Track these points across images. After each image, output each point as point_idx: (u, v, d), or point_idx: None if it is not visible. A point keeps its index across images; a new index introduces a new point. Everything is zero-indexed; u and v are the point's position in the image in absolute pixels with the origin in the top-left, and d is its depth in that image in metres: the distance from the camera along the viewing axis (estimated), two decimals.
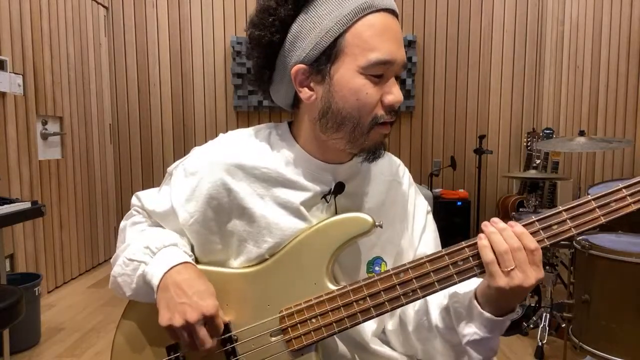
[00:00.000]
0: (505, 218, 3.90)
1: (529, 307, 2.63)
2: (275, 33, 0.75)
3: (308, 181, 0.81)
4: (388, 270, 0.73)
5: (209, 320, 0.73)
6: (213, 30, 4.18)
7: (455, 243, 0.71)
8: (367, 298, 0.73)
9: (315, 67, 0.75)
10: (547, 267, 2.53)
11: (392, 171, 0.91)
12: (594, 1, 3.77)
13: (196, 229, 0.82)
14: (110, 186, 4.17)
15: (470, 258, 0.69)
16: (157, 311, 0.76)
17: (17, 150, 2.90)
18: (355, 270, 0.84)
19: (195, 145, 0.89)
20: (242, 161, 0.81)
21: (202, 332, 0.73)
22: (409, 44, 4.13)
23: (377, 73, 0.73)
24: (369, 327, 0.84)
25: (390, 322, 0.88)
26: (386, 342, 0.88)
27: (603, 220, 0.65)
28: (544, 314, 2.42)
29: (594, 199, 0.66)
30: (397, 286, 0.71)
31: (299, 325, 0.76)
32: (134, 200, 0.93)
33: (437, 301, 0.80)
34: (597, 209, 0.66)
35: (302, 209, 0.80)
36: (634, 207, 0.64)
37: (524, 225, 0.68)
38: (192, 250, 0.84)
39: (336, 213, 0.82)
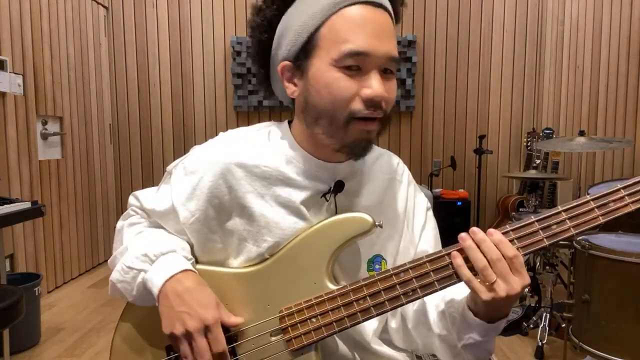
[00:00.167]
0: (505, 218, 3.90)
1: (529, 307, 2.63)
2: (264, 33, 0.80)
3: (308, 180, 0.81)
4: (388, 270, 0.73)
5: (209, 330, 0.73)
6: (213, 30, 4.18)
7: (455, 243, 0.71)
8: (367, 297, 0.73)
9: (297, 63, 0.77)
10: (547, 267, 2.53)
11: (391, 169, 0.91)
12: (594, 1, 3.78)
13: (197, 227, 0.82)
14: (110, 186, 4.17)
15: None
16: (156, 313, 0.76)
17: (17, 150, 2.90)
18: (356, 269, 0.84)
19: (195, 145, 0.89)
20: (243, 160, 0.81)
21: (202, 342, 0.72)
22: (409, 44, 4.13)
23: (350, 64, 0.72)
24: (369, 327, 0.84)
25: (394, 321, 0.88)
26: (386, 342, 0.88)
27: (602, 220, 0.65)
28: (544, 314, 2.42)
29: (592, 199, 0.66)
30: (397, 286, 0.72)
31: (299, 324, 0.76)
32: (131, 199, 0.92)
33: (434, 303, 0.80)
34: (595, 209, 0.66)
35: (302, 208, 0.80)
36: (632, 208, 0.64)
37: (523, 225, 0.68)
38: (192, 249, 0.84)
39: (336, 212, 0.82)
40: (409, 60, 4.13)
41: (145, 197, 0.89)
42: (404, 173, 0.93)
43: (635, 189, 0.65)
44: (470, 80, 4.27)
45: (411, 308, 0.85)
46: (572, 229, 0.66)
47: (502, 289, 0.64)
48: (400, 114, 4.26)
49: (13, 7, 2.89)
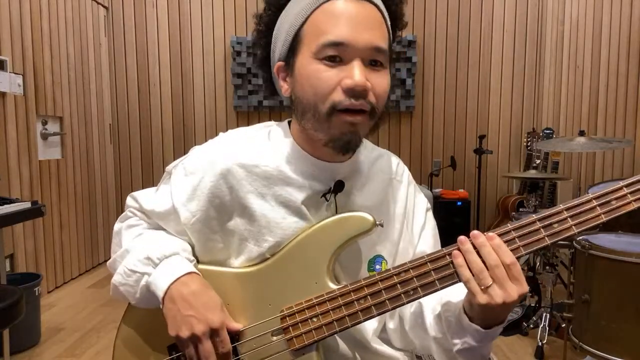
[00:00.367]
0: (505, 218, 3.90)
1: (529, 307, 2.63)
2: (263, 38, 0.83)
3: (308, 179, 0.81)
4: (389, 270, 0.73)
5: (215, 333, 0.74)
6: (213, 30, 4.18)
7: (454, 243, 0.71)
8: (368, 297, 0.73)
9: (287, 61, 0.78)
10: (547, 267, 2.53)
11: (391, 169, 0.91)
12: (594, 1, 3.78)
13: (198, 228, 0.82)
14: (110, 186, 4.17)
15: None
16: (157, 313, 0.76)
17: (17, 150, 2.90)
18: (356, 269, 0.84)
19: (195, 145, 0.89)
20: (243, 159, 0.81)
21: (208, 344, 0.73)
22: (409, 44, 4.13)
23: (329, 55, 0.72)
24: (369, 326, 0.84)
25: (392, 322, 0.88)
26: (386, 341, 0.88)
27: (604, 218, 0.64)
28: (544, 314, 2.42)
29: (594, 198, 0.65)
30: (398, 285, 0.71)
31: (300, 324, 0.76)
32: (129, 201, 0.91)
33: (431, 306, 0.80)
34: (597, 207, 0.65)
35: (303, 208, 0.80)
36: (634, 205, 0.63)
37: (525, 224, 0.68)
38: (193, 250, 0.84)
39: (336, 212, 0.82)
40: (409, 60, 4.13)
41: (144, 198, 0.88)
42: (404, 173, 0.93)
43: (637, 187, 0.64)
44: (470, 80, 4.27)
45: (408, 310, 0.84)
46: (574, 227, 0.66)
47: (498, 295, 0.64)
48: (400, 114, 4.26)
49: (13, 7, 2.89)
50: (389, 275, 0.72)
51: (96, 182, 3.91)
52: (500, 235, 0.68)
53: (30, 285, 2.40)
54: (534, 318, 2.53)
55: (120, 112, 4.23)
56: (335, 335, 0.77)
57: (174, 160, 0.88)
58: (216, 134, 0.88)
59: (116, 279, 0.82)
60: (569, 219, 0.66)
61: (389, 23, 0.79)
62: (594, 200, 0.65)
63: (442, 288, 0.70)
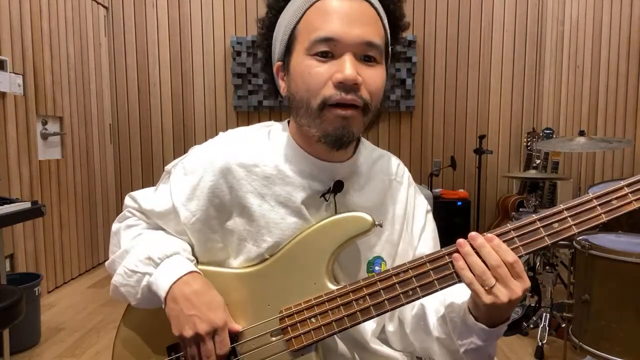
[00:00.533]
0: (505, 218, 3.90)
1: (529, 307, 2.63)
2: (265, 39, 0.84)
3: (307, 179, 0.81)
4: (388, 270, 0.73)
5: (217, 333, 0.74)
6: (213, 30, 4.18)
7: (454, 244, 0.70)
8: (367, 298, 0.72)
9: (284, 60, 0.79)
10: (547, 267, 2.53)
11: (391, 170, 0.90)
12: (594, 1, 3.78)
13: (198, 227, 0.82)
14: (110, 186, 4.17)
15: None
16: (157, 313, 0.76)
17: (17, 150, 2.90)
18: (355, 270, 0.84)
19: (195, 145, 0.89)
20: (242, 159, 0.81)
21: (210, 344, 0.74)
22: (409, 44, 4.13)
23: (320, 51, 0.72)
24: (369, 327, 0.84)
25: (391, 324, 0.88)
26: (386, 342, 0.88)
27: (605, 218, 0.64)
28: (544, 314, 2.42)
29: (595, 197, 0.65)
30: (397, 286, 0.71)
31: (298, 325, 0.76)
32: (127, 201, 0.91)
33: (434, 307, 0.80)
34: (598, 207, 0.65)
35: (303, 208, 0.80)
36: (635, 205, 0.63)
37: (525, 224, 0.67)
38: (192, 250, 0.84)
39: (336, 212, 0.82)
40: (409, 60, 4.12)
41: (143, 198, 0.88)
42: (405, 175, 0.92)
43: (638, 187, 0.64)
44: (470, 80, 4.27)
45: (409, 312, 0.84)
46: (574, 227, 0.65)
47: (503, 294, 0.64)
48: (400, 114, 4.26)
49: (13, 7, 2.89)
50: (388, 276, 0.72)
51: (96, 182, 3.91)
52: (499, 235, 0.68)
53: (30, 285, 2.40)
54: (534, 318, 2.53)
55: (120, 112, 4.23)
56: (335, 335, 0.77)
57: (174, 160, 0.88)
58: (216, 134, 0.88)
59: (116, 279, 0.81)
60: (569, 218, 0.66)
61: (385, 21, 0.79)
62: (594, 200, 0.65)
63: (441, 288, 0.70)
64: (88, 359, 2.33)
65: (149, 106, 4.23)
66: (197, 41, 4.19)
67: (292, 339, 0.75)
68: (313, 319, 0.75)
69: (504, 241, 0.67)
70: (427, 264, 0.70)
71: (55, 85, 3.33)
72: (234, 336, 0.78)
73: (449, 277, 0.69)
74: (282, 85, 0.81)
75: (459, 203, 3.92)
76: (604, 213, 0.65)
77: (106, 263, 0.88)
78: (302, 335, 0.75)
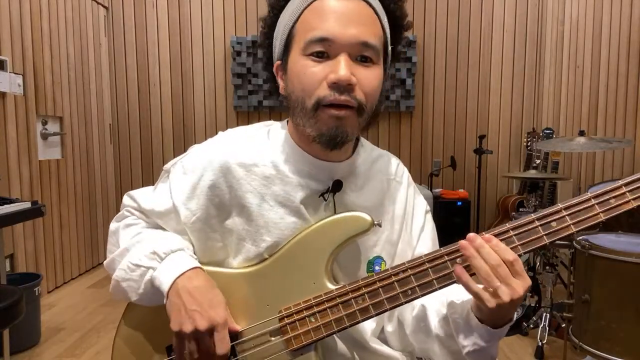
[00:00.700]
0: (505, 218, 3.90)
1: (529, 307, 2.63)
2: (266, 39, 0.84)
3: (306, 179, 0.81)
4: (387, 270, 0.73)
5: (217, 330, 0.73)
6: (213, 30, 4.18)
7: (454, 244, 0.70)
8: (366, 297, 0.72)
9: (283, 60, 0.79)
10: (547, 267, 2.53)
11: (391, 170, 0.90)
12: (594, 1, 3.78)
13: (198, 227, 0.82)
14: (110, 186, 4.17)
15: None
16: (158, 312, 0.76)
17: (17, 150, 2.90)
18: (355, 270, 0.84)
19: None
20: (242, 158, 0.81)
21: (209, 342, 0.73)
22: (409, 44, 4.13)
23: (315, 51, 0.72)
24: (368, 326, 0.84)
25: (390, 325, 0.87)
26: (385, 341, 0.88)
27: (603, 217, 0.64)
28: (544, 314, 2.42)
29: (593, 197, 0.65)
30: (396, 285, 0.71)
31: (298, 324, 0.76)
32: (126, 200, 0.91)
33: (435, 308, 0.80)
34: (596, 206, 0.65)
35: (302, 207, 0.80)
36: (634, 204, 0.63)
37: (523, 224, 0.67)
38: (193, 249, 0.84)
39: (335, 212, 0.82)
40: (409, 60, 4.12)
41: (143, 197, 0.88)
42: (404, 175, 0.92)
43: (636, 185, 0.64)
44: (470, 80, 4.27)
45: (410, 314, 0.84)
46: (572, 226, 0.66)
47: (505, 294, 0.64)
48: (400, 114, 4.26)
49: (13, 7, 2.89)
50: (387, 275, 0.72)
51: (96, 182, 3.91)
52: (498, 234, 0.68)
53: (30, 285, 2.40)
54: (534, 318, 2.53)
55: (120, 112, 4.23)
56: (334, 335, 0.77)
57: (173, 159, 0.88)
58: (216, 134, 0.88)
59: (118, 274, 0.81)
60: (567, 218, 0.66)
61: (384, 21, 0.78)
62: (592, 199, 0.65)
63: (440, 288, 0.70)
64: (88, 359, 2.33)
65: (149, 106, 4.24)
66: (197, 41, 4.19)
67: (292, 339, 0.75)
68: (312, 319, 0.75)
69: (502, 240, 0.67)
70: (426, 263, 0.71)
71: (55, 85, 3.33)
72: (233, 336, 0.78)
73: (447, 276, 0.69)
74: (281, 84, 0.81)
75: (459, 203, 3.92)
76: (602, 212, 0.65)
77: (105, 262, 0.88)
78: (301, 335, 0.75)
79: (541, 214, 0.67)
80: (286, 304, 0.77)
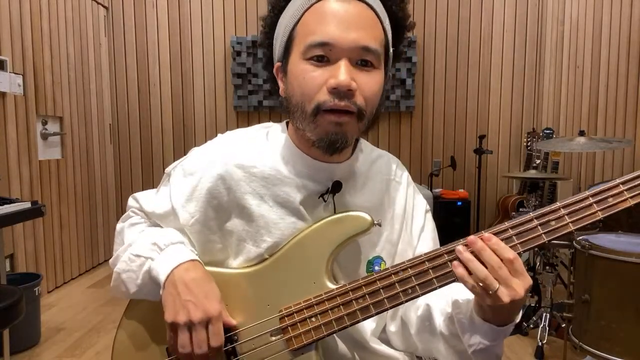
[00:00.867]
0: (505, 218, 3.91)
1: (529, 307, 2.63)
2: (267, 39, 0.84)
3: (306, 180, 0.81)
4: (387, 269, 0.73)
5: (211, 323, 0.73)
6: (213, 30, 4.18)
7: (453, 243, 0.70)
8: (367, 296, 0.73)
9: (283, 62, 0.79)
10: (547, 267, 2.53)
11: (390, 171, 0.91)
12: (594, 1, 3.78)
13: (197, 228, 0.82)
14: (110, 186, 4.18)
15: None
16: (159, 311, 0.76)
17: (17, 150, 2.90)
18: (355, 269, 0.84)
19: (195, 146, 0.89)
20: (241, 160, 0.81)
21: (203, 334, 0.72)
22: (409, 44, 4.13)
23: (315, 55, 0.72)
24: (368, 326, 0.84)
25: (393, 324, 0.87)
26: (386, 341, 0.88)
27: (601, 215, 0.64)
28: (544, 314, 2.42)
29: (591, 195, 0.65)
30: (397, 284, 0.71)
31: (298, 324, 0.76)
32: (130, 202, 0.92)
33: (440, 307, 0.80)
34: (594, 205, 0.65)
35: (302, 208, 0.80)
36: (631, 202, 0.63)
37: (522, 222, 0.67)
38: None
39: (334, 212, 0.82)
40: (409, 60, 4.13)
41: (145, 199, 0.89)
42: (403, 175, 0.92)
43: (634, 184, 0.64)
44: (470, 80, 4.27)
45: (414, 314, 0.83)
46: (570, 224, 0.66)
47: (505, 295, 0.63)
48: (400, 114, 4.26)
49: (13, 7, 2.89)
50: (387, 275, 0.72)
51: (96, 182, 3.91)
52: (497, 233, 0.68)
53: (30, 285, 2.40)
54: (534, 318, 2.53)
55: (120, 112, 4.23)
56: (334, 335, 0.77)
57: (174, 160, 0.88)
58: (216, 134, 0.89)
59: (120, 266, 0.82)
60: (566, 216, 0.66)
61: (386, 23, 0.77)
62: (590, 198, 0.65)
63: (440, 286, 0.70)
64: (88, 359, 2.33)
65: (149, 106, 4.24)
66: (197, 41, 4.19)
67: (292, 338, 0.75)
68: (313, 318, 0.75)
69: (501, 239, 0.67)
70: (426, 262, 0.71)
71: (55, 85, 3.33)
72: (233, 335, 0.78)
73: (447, 275, 0.69)
74: (281, 86, 0.81)
75: (459, 203, 3.92)
76: (600, 210, 0.65)
77: (110, 260, 0.88)
78: (301, 335, 0.75)
79: (540, 212, 0.67)
80: (286, 304, 0.77)
